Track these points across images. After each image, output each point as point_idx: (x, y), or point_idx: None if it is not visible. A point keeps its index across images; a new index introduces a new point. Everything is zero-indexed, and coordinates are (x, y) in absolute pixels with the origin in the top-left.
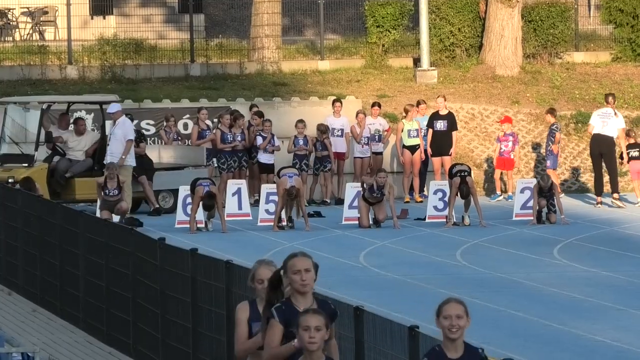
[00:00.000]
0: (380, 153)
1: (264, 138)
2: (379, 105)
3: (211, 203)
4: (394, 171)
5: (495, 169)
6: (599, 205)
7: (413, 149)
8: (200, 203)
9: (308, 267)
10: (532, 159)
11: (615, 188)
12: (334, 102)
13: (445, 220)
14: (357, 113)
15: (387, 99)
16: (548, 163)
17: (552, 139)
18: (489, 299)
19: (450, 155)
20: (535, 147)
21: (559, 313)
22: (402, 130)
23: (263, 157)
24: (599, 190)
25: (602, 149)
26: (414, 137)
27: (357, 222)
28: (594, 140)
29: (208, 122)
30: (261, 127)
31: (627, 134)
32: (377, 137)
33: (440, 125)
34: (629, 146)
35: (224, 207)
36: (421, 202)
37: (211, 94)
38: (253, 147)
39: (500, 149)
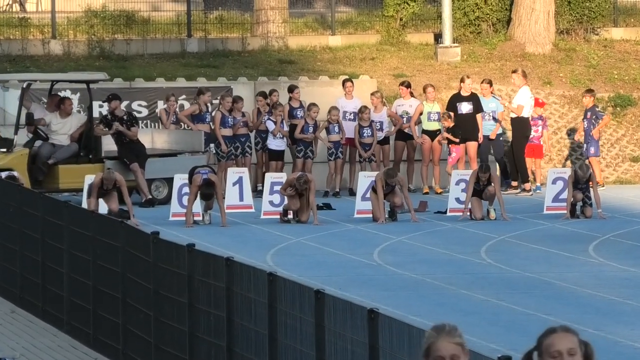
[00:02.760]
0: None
1: (275, 123)
2: (408, 85)
3: (210, 192)
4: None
5: (524, 157)
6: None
7: (433, 134)
8: (198, 193)
9: (572, 348)
10: (566, 147)
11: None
12: (344, 82)
13: (467, 213)
14: (372, 95)
15: (405, 79)
16: (592, 150)
17: (595, 124)
18: (517, 301)
19: (478, 140)
20: (570, 132)
21: (594, 317)
22: (422, 113)
23: (273, 144)
24: (525, 177)
25: (528, 133)
26: (434, 120)
27: (370, 215)
28: (524, 124)
29: (208, 104)
30: (266, 109)
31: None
32: (404, 119)
33: (465, 107)
34: None
35: (224, 198)
36: (441, 193)
37: (210, 73)
38: (257, 133)
39: None
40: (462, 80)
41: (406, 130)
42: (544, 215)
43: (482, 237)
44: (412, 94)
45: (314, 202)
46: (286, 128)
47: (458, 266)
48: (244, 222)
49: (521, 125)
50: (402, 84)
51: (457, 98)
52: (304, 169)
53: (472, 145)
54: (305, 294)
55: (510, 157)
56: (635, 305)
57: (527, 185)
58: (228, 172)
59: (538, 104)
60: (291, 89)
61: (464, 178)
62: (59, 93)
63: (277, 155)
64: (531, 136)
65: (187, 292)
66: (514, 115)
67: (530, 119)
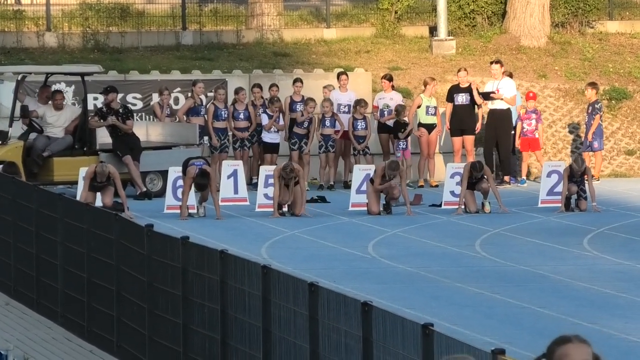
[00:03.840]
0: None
1: (270, 117)
2: (390, 78)
3: (204, 182)
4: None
5: (520, 151)
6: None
7: (429, 128)
8: (193, 184)
9: None
10: (561, 140)
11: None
12: (339, 75)
13: (462, 207)
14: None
15: (400, 72)
16: (596, 144)
17: (594, 118)
18: (512, 294)
19: (475, 133)
20: (565, 126)
21: (589, 310)
22: (419, 107)
23: (268, 137)
24: (509, 171)
25: (513, 125)
26: (431, 114)
27: (365, 208)
28: (510, 116)
29: (202, 96)
30: (262, 102)
31: None
32: (385, 112)
33: (462, 98)
34: None
35: (219, 191)
36: (436, 186)
37: (205, 65)
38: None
39: (523, 128)
40: (458, 72)
41: (389, 123)
42: (538, 209)
43: (477, 230)
44: (393, 87)
45: (304, 190)
46: (282, 122)
47: (452, 259)
48: (238, 214)
49: (508, 117)
50: (384, 77)
51: (455, 89)
52: (300, 162)
53: (469, 139)
54: (299, 286)
55: (490, 151)
56: (629, 299)
57: (507, 178)
58: (223, 165)
59: (532, 96)
60: (295, 82)
61: (459, 171)
62: (52, 85)
63: (272, 148)
64: (525, 130)
65: (181, 285)
66: (494, 107)
67: (524, 112)
